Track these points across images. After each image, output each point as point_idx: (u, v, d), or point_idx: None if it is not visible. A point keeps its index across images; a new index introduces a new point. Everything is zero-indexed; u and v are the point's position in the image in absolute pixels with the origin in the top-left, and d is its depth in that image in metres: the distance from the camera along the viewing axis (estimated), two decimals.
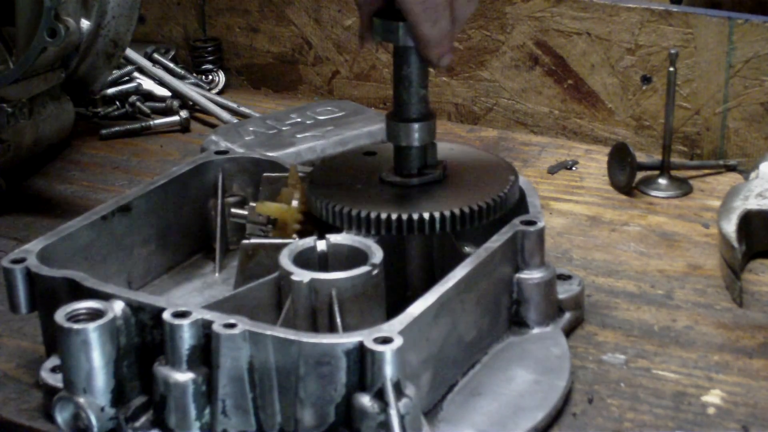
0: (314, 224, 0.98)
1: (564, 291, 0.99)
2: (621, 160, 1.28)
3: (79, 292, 0.85)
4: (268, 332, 0.78)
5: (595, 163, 1.37)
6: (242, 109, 1.53)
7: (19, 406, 0.90)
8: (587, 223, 1.22)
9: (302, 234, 0.97)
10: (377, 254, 0.88)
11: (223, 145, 1.26)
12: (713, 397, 0.90)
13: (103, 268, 0.99)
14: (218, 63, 1.66)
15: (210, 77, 1.65)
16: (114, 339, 0.80)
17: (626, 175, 1.27)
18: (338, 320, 0.84)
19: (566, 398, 0.89)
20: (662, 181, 1.29)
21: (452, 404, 0.86)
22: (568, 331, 0.98)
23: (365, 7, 0.94)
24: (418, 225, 0.92)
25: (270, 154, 1.19)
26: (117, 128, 1.49)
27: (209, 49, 1.66)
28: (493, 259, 0.91)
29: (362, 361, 0.76)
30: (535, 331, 0.96)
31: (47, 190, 1.33)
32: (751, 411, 0.88)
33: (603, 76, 1.41)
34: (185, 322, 0.78)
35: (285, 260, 0.88)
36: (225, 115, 1.51)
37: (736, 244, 1.05)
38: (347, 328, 0.83)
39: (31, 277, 0.89)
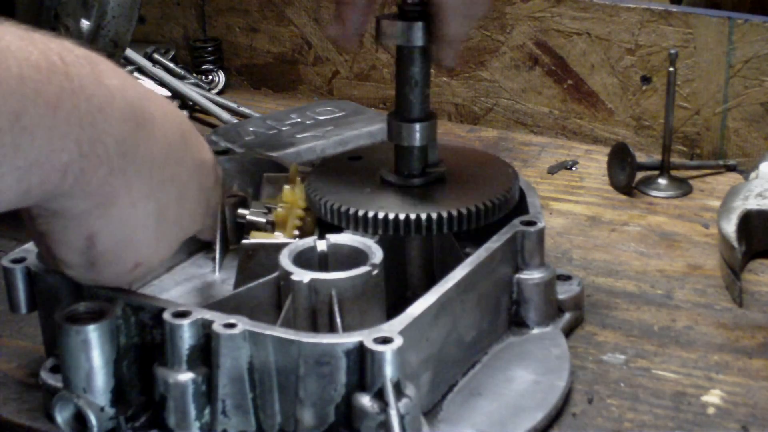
0: (316, 222, 0.98)
1: (564, 291, 0.99)
2: (621, 160, 1.28)
3: (80, 291, 0.85)
4: (268, 332, 0.78)
5: (595, 163, 1.37)
6: (242, 109, 1.53)
7: (19, 406, 0.90)
8: (587, 223, 1.22)
9: (302, 233, 0.97)
10: (377, 254, 0.88)
11: (223, 145, 1.26)
12: (713, 397, 0.90)
13: None
14: (218, 63, 1.66)
15: (210, 77, 1.65)
16: (114, 339, 0.80)
17: (626, 175, 1.27)
18: (338, 320, 0.84)
19: (566, 398, 0.89)
20: (662, 181, 1.29)
21: (452, 404, 0.86)
22: (568, 332, 0.98)
23: (357, 11, 0.91)
24: (418, 225, 0.92)
25: (270, 154, 1.19)
26: None
27: (209, 49, 1.66)
28: (493, 260, 0.91)
29: (362, 361, 0.76)
30: (535, 331, 0.96)
31: None
32: (751, 411, 0.88)
33: (603, 76, 1.41)
34: (185, 322, 0.78)
35: (285, 260, 0.88)
36: (225, 115, 1.51)
37: (736, 244, 1.05)
38: (347, 328, 0.83)
39: (31, 276, 0.89)
